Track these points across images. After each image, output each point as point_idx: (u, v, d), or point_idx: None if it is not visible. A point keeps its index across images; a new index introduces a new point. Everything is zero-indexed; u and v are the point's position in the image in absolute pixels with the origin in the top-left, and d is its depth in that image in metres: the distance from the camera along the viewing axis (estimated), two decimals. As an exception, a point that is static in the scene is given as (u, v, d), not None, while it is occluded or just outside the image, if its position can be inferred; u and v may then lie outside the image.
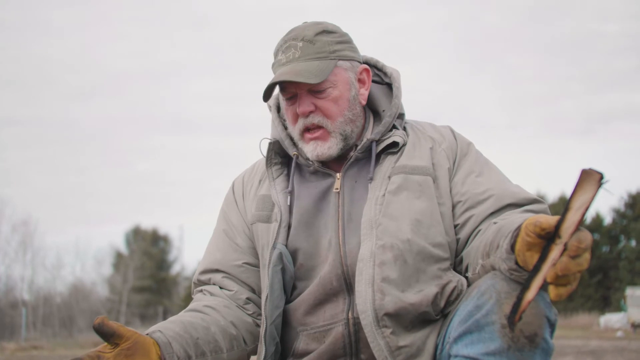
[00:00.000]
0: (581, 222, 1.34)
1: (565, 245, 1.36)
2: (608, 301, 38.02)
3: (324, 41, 1.81)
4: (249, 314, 1.89)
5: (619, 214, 40.57)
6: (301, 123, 1.82)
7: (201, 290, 1.94)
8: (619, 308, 31.77)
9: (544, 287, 1.40)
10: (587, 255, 1.36)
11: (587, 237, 1.36)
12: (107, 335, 1.57)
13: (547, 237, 1.39)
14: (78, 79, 56.02)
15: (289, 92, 1.82)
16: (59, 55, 54.62)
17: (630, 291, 28.10)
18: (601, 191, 1.32)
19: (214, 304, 1.86)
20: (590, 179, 1.31)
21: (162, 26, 57.91)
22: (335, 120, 1.82)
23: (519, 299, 1.38)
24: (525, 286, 1.39)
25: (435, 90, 57.44)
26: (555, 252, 1.38)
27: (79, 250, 58.22)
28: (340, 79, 1.82)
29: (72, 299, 36.40)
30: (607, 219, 40.82)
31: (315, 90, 1.80)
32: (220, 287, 1.91)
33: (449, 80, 59.96)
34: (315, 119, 1.81)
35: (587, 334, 23.42)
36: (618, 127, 61.05)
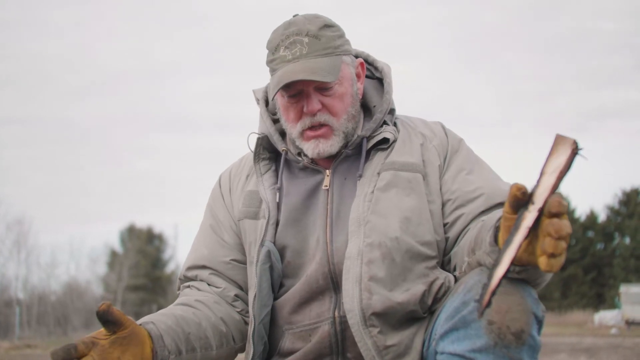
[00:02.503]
0: (556, 188, 1.26)
1: (541, 211, 1.26)
2: (602, 298, 38.11)
3: (328, 36, 1.76)
4: (237, 311, 1.87)
5: (613, 211, 40.66)
6: (307, 121, 1.77)
7: (188, 286, 1.91)
8: (614, 305, 31.86)
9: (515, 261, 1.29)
10: (567, 219, 1.28)
11: (562, 199, 1.27)
12: (110, 323, 1.52)
13: (523, 204, 1.30)
14: (76, 78, 55.96)
15: (294, 89, 1.75)
16: (57, 54, 54.58)
17: (624, 288, 28.17)
18: (577, 158, 1.26)
19: (204, 299, 1.84)
20: (564, 143, 1.26)
21: (161, 25, 57.90)
22: (340, 118, 1.78)
23: (489, 277, 1.30)
24: (497, 262, 1.30)
25: (432, 88, 57.58)
26: (528, 219, 1.28)
27: (73, 249, 58.19)
28: (344, 75, 1.78)
29: (67, 297, 36.34)
30: (602, 216, 40.97)
31: (322, 88, 1.75)
32: (208, 284, 1.88)
33: (445, 78, 60.07)
34: (322, 117, 1.76)
35: (581, 331, 23.48)
36: (613, 125, 61.25)
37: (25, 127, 55.06)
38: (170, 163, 60.48)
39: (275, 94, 1.76)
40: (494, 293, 1.29)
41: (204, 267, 1.89)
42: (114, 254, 42.56)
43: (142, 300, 40.24)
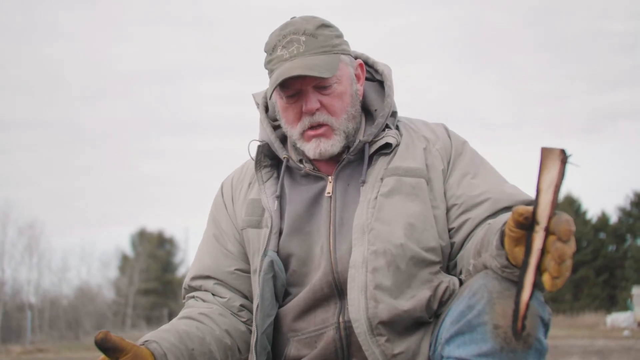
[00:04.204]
0: (556, 203, 1.28)
1: (547, 229, 1.31)
2: (615, 300, 37.88)
3: (325, 35, 1.75)
4: (243, 322, 1.85)
5: (625, 213, 40.43)
6: (306, 121, 1.75)
7: (193, 297, 1.90)
8: (626, 307, 31.64)
9: (536, 284, 1.34)
10: (573, 241, 1.32)
11: (570, 219, 1.31)
12: (110, 350, 1.53)
13: (528, 226, 1.34)
14: (84, 81, 56.16)
15: (293, 88, 1.73)
16: (66, 58, 54.78)
17: (636, 290, 28.00)
18: (568, 167, 1.26)
19: (208, 311, 1.82)
20: (552, 155, 1.26)
21: (168, 28, 58.08)
22: (339, 117, 1.76)
23: (517, 303, 1.33)
24: (519, 287, 1.34)
25: (439, 90, 57.44)
26: (537, 241, 1.31)
27: (84, 253, 58.40)
28: (343, 74, 1.76)
29: (78, 301, 36.45)
30: (613, 218, 40.74)
31: (320, 86, 1.73)
32: (213, 294, 1.87)
33: (452, 79, 59.90)
34: (321, 117, 1.75)
35: (593, 334, 23.34)
36: (623, 126, 60.97)
37: (36, 131, 55.39)
38: (180, 166, 60.63)
39: (272, 92, 1.74)
40: (525, 317, 1.33)
41: (208, 277, 1.88)
42: (125, 258, 42.69)
43: (154, 304, 40.30)
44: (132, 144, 57.64)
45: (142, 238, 43.73)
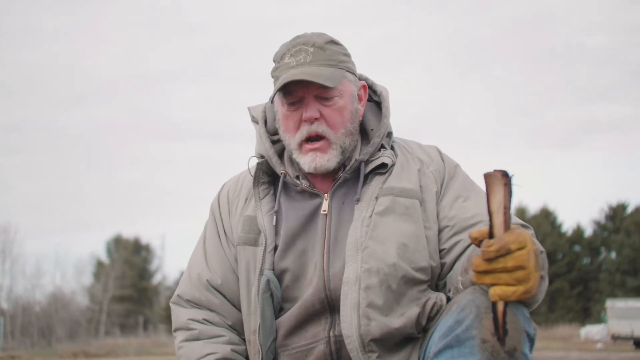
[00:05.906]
0: (508, 221, 1.36)
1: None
2: (588, 313, 38.24)
3: (333, 50, 1.80)
4: (243, 348, 1.87)
5: (599, 226, 40.86)
6: (304, 130, 1.78)
7: (201, 321, 1.86)
8: (600, 320, 31.95)
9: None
10: (517, 254, 1.37)
11: (520, 233, 1.38)
12: None
13: None
14: (65, 86, 55.78)
15: (295, 95, 1.77)
16: (46, 62, 54.41)
17: (610, 303, 28.26)
18: (512, 186, 1.33)
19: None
20: (494, 179, 1.34)
21: (150, 34, 57.93)
22: (337, 131, 1.79)
23: (494, 313, 1.39)
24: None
25: (421, 101, 57.76)
26: None
27: (59, 259, 57.84)
28: (346, 90, 1.80)
29: (52, 308, 36.03)
30: (588, 231, 41.16)
31: (322, 97, 1.77)
32: (219, 313, 1.87)
33: (434, 90, 60.33)
34: (320, 127, 1.77)
35: (567, 346, 23.54)
36: (601, 139, 61.74)
37: (13, 134, 54.90)
38: (157, 172, 60.37)
39: (274, 95, 1.77)
40: (504, 323, 1.39)
41: (217, 290, 1.88)
42: (100, 264, 42.33)
43: (128, 312, 39.98)
44: (109, 149, 57.26)
45: (118, 244, 43.43)
